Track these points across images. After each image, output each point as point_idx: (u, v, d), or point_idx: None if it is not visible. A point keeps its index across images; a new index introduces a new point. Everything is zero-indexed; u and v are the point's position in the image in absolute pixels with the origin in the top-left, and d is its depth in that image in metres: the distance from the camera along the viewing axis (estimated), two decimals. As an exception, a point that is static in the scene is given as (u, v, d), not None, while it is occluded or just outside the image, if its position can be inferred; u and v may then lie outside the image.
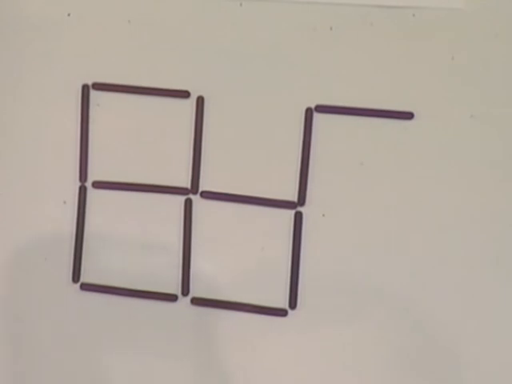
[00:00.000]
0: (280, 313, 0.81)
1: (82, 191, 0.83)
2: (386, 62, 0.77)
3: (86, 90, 0.82)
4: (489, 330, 0.78)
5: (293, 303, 0.81)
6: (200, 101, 0.81)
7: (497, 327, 0.78)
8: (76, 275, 0.84)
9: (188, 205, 0.82)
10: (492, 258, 0.77)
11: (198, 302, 0.83)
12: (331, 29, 0.78)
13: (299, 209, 0.80)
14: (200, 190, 0.82)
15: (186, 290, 0.82)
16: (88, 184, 0.83)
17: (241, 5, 0.79)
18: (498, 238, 0.77)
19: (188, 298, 0.83)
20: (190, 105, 0.81)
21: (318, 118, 0.79)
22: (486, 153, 0.76)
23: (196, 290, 0.83)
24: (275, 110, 0.79)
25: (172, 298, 0.83)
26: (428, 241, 0.78)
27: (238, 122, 0.80)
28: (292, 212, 0.80)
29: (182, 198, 0.82)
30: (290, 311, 0.81)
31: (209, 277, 0.82)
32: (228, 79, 0.80)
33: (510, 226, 0.77)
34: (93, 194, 0.83)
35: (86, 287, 0.84)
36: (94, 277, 0.84)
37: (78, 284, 0.84)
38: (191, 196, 0.82)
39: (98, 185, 0.83)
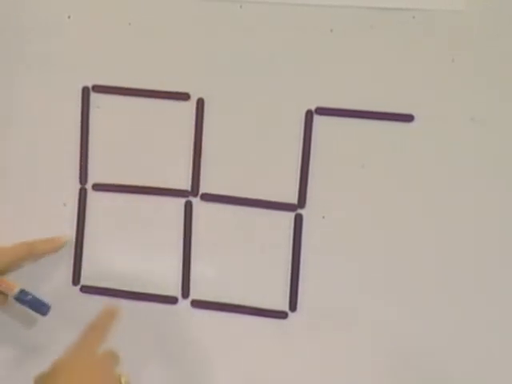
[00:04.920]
0: (280, 315, 0.81)
1: (82, 193, 0.83)
2: (386, 64, 0.77)
3: (86, 92, 0.82)
4: (490, 335, 0.78)
5: (293, 305, 0.81)
6: (200, 103, 0.81)
7: (496, 334, 0.78)
8: (76, 278, 0.84)
9: (188, 207, 0.82)
10: (492, 259, 0.77)
11: (198, 304, 0.82)
12: (331, 31, 0.78)
13: (299, 211, 0.80)
14: (200, 192, 0.82)
15: (186, 293, 0.82)
16: (88, 186, 0.83)
17: (241, 7, 0.79)
18: (497, 239, 0.77)
19: (188, 301, 0.83)
20: (190, 107, 0.81)
21: (318, 120, 0.79)
22: (486, 155, 0.76)
23: (196, 293, 0.82)
24: (275, 112, 0.79)
25: (172, 300, 0.83)
26: (428, 242, 0.78)
27: (238, 124, 0.80)
28: (292, 214, 0.80)
29: (182, 201, 0.82)
30: (290, 313, 0.81)
31: (209, 279, 0.82)
32: (228, 81, 0.80)
33: (510, 226, 0.77)
34: (93, 197, 0.83)
35: (86, 290, 0.84)
36: (94, 279, 0.84)
37: (78, 286, 0.84)
38: (191, 198, 0.82)
39: (98, 187, 0.83)
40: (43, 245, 0.81)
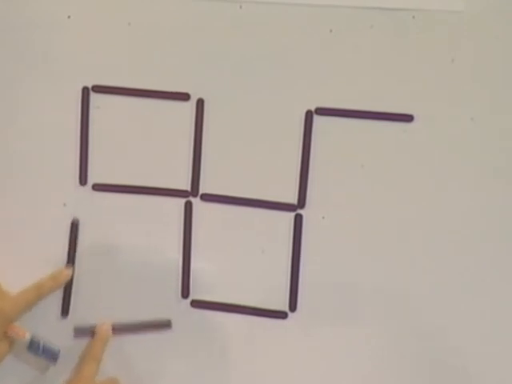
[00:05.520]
0: (280, 315, 0.81)
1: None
2: (386, 64, 0.77)
3: (86, 92, 0.82)
4: (488, 331, 0.78)
5: (293, 305, 0.81)
6: (200, 103, 0.81)
7: (496, 328, 0.78)
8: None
9: (188, 207, 0.82)
10: (492, 259, 0.77)
11: (198, 304, 0.82)
12: (331, 31, 0.78)
13: (299, 211, 0.80)
14: (200, 192, 0.82)
15: (186, 293, 0.82)
16: (88, 186, 0.83)
17: (240, 7, 0.79)
18: (498, 240, 0.77)
19: (188, 301, 0.83)
20: (189, 107, 0.81)
21: (318, 120, 0.79)
22: (486, 155, 0.76)
23: (196, 293, 0.83)
24: (275, 113, 0.79)
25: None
26: (428, 243, 0.78)
27: (238, 124, 0.80)
28: (292, 214, 0.80)
29: (182, 201, 0.82)
30: (289, 313, 0.81)
31: (209, 279, 0.82)
32: (228, 82, 0.80)
33: (510, 226, 0.77)
34: (93, 197, 0.83)
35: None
36: (93, 278, 0.84)
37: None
38: (191, 198, 0.82)
39: (98, 187, 0.83)
40: (49, 283, 0.81)
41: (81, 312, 0.83)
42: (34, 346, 0.78)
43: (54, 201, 0.83)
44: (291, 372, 0.81)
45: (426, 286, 0.78)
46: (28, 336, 0.78)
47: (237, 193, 0.81)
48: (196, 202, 0.82)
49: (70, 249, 0.82)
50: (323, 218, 0.80)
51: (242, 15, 0.79)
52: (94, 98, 0.82)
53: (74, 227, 0.82)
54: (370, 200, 0.79)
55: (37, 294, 0.80)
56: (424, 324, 0.79)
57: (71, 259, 0.83)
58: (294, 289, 0.80)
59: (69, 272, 0.82)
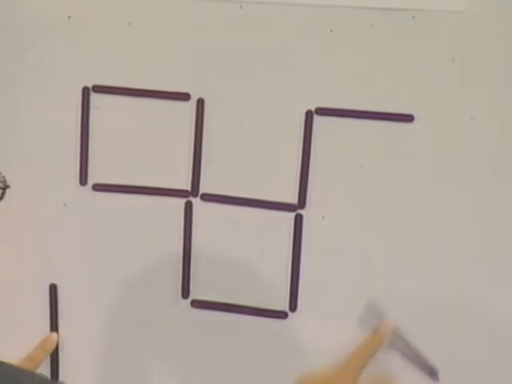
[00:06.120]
0: (280, 315, 0.81)
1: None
2: (386, 64, 0.77)
3: (86, 92, 0.82)
4: (487, 330, 0.78)
5: (293, 306, 0.81)
6: (200, 103, 0.81)
7: (495, 328, 0.78)
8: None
9: (188, 207, 0.82)
10: (492, 259, 0.77)
11: (198, 304, 0.83)
12: (331, 31, 0.78)
13: (299, 211, 0.80)
14: (200, 192, 0.82)
15: (186, 293, 0.82)
16: (88, 186, 0.83)
17: (241, 7, 0.79)
18: (497, 239, 0.77)
19: (188, 301, 0.83)
20: (190, 107, 0.81)
21: (318, 120, 0.79)
22: (486, 155, 0.76)
23: (196, 293, 0.83)
24: (276, 113, 0.79)
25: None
26: (428, 243, 0.78)
27: (239, 124, 0.80)
28: (292, 214, 0.80)
29: (182, 201, 0.82)
30: (290, 313, 0.81)
31: (209, 279, 0.82)
32: (228, 82, 0.80)
33: (510, 226, 0.77)
34: (93, 197, 0.83)
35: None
36: (93, 278, 0.84)
37: (78, 286, 0.84)
38: (191, 198, 0.82)
39: (99, 187, 0.83)
40: (40, 354, 0.81)
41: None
42: None
43: (54, 201, 0.83)
44: (291, 372, 0.81)
45: (425, 285, 0.78)
46: None
47: (237, 193, 0.81)
48: (196, 201, 0.82)
49: (51, 313, 0.83)
50: (323, 218, 0.80)
51: (241, 15, 0.79)
52: (94, 98, 0.82)
53: (53, 290, 0.82)
54: (370, 200, 0.79)
55: (31, 367, 0.79)
56: (423, 323, 0.78)
57: (54, 325, 0.83)
58: (294, 289, 0.80)
59: (55, 337, 0.82)
